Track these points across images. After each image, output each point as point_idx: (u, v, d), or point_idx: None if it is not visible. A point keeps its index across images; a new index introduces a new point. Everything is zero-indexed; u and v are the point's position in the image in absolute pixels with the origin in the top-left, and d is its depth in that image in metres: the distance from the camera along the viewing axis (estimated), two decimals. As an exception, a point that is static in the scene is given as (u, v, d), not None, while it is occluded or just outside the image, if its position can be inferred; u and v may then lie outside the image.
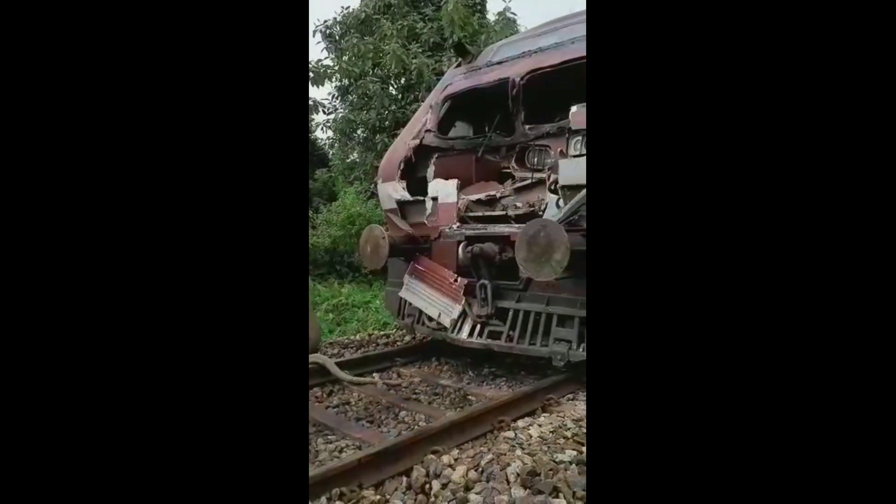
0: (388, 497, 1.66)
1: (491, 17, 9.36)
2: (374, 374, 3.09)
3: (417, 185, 3.62)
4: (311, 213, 8.82)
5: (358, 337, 4.41)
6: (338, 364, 3.02)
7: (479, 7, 8.95)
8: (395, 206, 3.61)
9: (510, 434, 2.09)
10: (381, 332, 4.58)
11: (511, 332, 2.87)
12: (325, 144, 13.10)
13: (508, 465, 1.77)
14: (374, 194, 8.70)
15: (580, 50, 2.96)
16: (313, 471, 1.66)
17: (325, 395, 2.79)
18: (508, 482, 1.69)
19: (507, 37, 5.39)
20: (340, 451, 2.04)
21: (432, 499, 1.65)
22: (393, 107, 8.50)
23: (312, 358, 3.04)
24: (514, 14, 9.11)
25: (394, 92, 8.78)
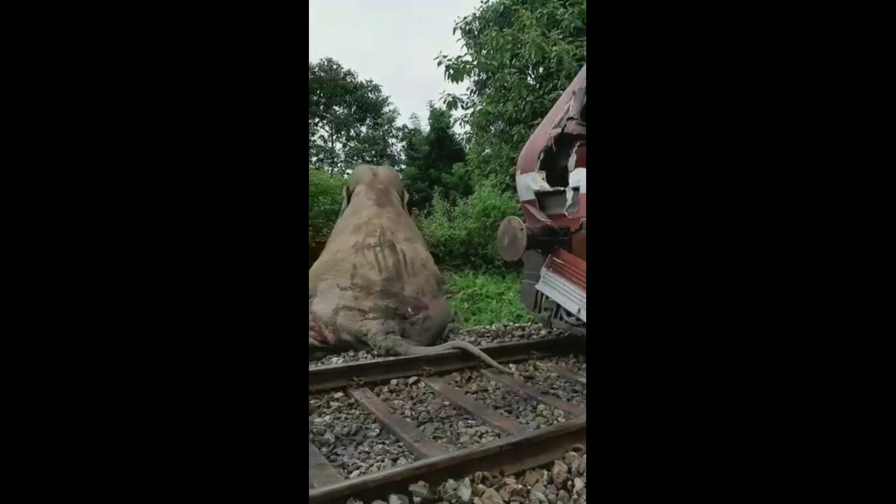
0: (529, 487, 1.66)
1: (638, -7, 8.65)
2: (511, 366, 3.11)
3: (557, 176, 3.52)
4: (447, 205, 9.17)
5: (493, 327, 4.47)
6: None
7: (625, -16, 8.34)
8: (533, 197, 3.56)
9: (660, 442, 1.94)
10: (516, 325, 4.58)
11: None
12: (461, 139, 13.43)
13: (659, 474, 1.64)
14: (509, 187, 8.72)
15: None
16: (456, 451, 1.73)
17: (464, 381, 2.88)
18: (660, 493, 1.57)
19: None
20: (480, 437, 2.10)
21: (575, 496, 1.61)
22: (530, 97, 8.39)
23: (455, 343, 3.16)
24: (666, -13, 8.31)
25: (532, 82, 8.66)
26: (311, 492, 1.46)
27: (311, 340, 3.42)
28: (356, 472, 1.76)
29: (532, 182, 3.57)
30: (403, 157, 17.71)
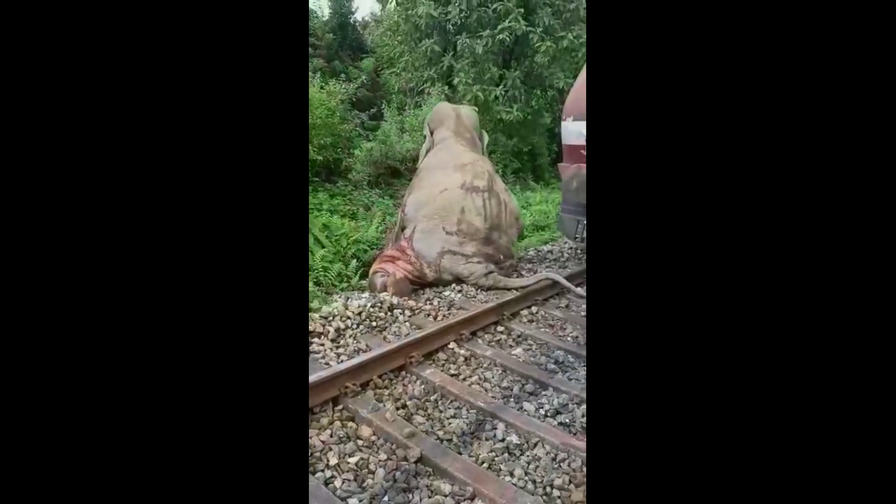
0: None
1: None
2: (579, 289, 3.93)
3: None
4: (396, 115, 8.95)
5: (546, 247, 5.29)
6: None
7: None
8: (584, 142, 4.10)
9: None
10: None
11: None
12: (368, 26, 12.36)
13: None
14: (449, 98, 8.72)
15: None
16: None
17: (564, 306, 3.63)
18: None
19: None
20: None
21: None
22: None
23: (546, 274, 3.84)
24: None
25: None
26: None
27: (405, 274, 3.71)
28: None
29: (584, 130, 4.10)
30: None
